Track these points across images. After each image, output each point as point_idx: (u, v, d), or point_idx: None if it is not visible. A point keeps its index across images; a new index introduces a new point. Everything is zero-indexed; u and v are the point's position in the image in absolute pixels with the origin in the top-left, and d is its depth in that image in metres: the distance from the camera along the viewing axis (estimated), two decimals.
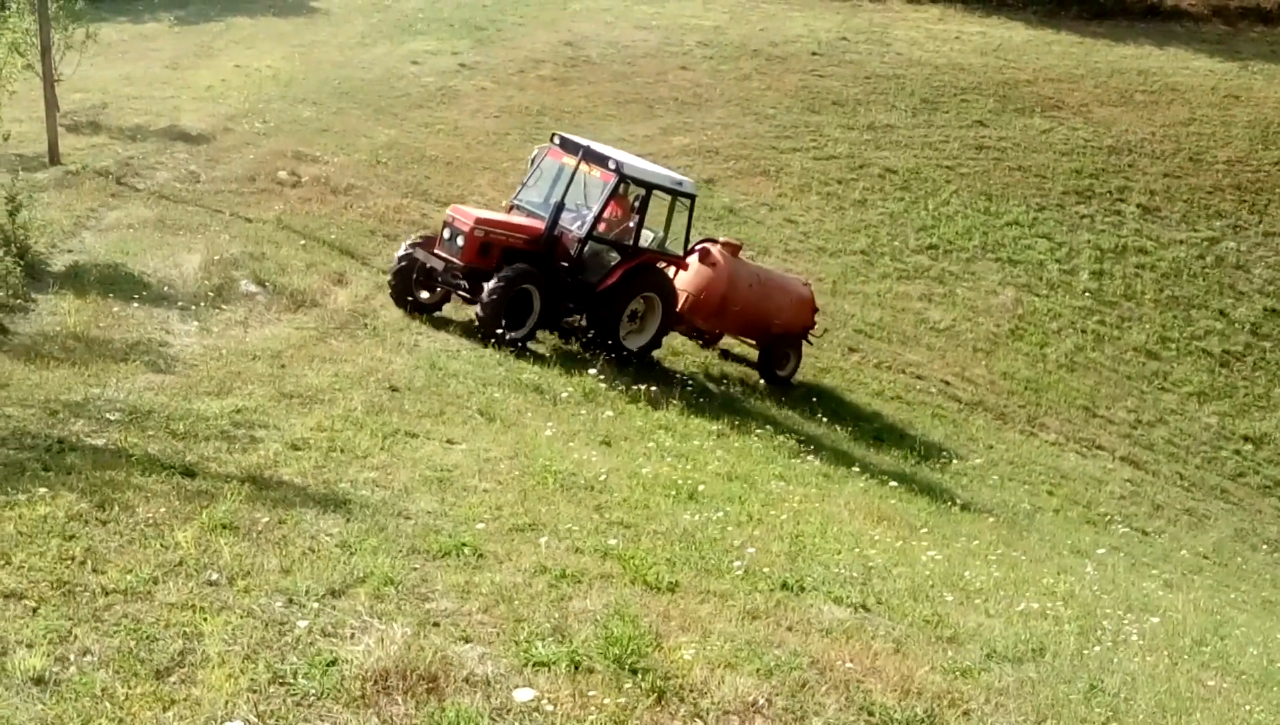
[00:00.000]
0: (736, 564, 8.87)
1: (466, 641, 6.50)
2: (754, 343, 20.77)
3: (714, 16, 39.33)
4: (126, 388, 11.45)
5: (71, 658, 5.75)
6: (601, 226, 17.94)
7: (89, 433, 9.76)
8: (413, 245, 17.71)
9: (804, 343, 20.71)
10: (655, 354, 18.72)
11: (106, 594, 6.54)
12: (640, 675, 6.20)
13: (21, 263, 15.69)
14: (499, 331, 16.50)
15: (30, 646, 5.77)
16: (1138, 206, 30.20)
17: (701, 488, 11.57)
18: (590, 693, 5.91)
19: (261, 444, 10.15)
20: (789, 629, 7.58)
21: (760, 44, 36.66)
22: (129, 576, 6.76)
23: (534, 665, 6.23)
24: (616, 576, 8.07)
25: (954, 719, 6.24)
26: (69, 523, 7.46)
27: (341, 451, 10.38)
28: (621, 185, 17.98)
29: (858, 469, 15.46)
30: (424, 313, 17.63)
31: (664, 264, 18.61)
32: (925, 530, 12.53)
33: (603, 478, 10.97)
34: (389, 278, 17.82)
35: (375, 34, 36.95)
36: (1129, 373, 24.86)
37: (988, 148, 31.61)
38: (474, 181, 26.07)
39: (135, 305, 15.21)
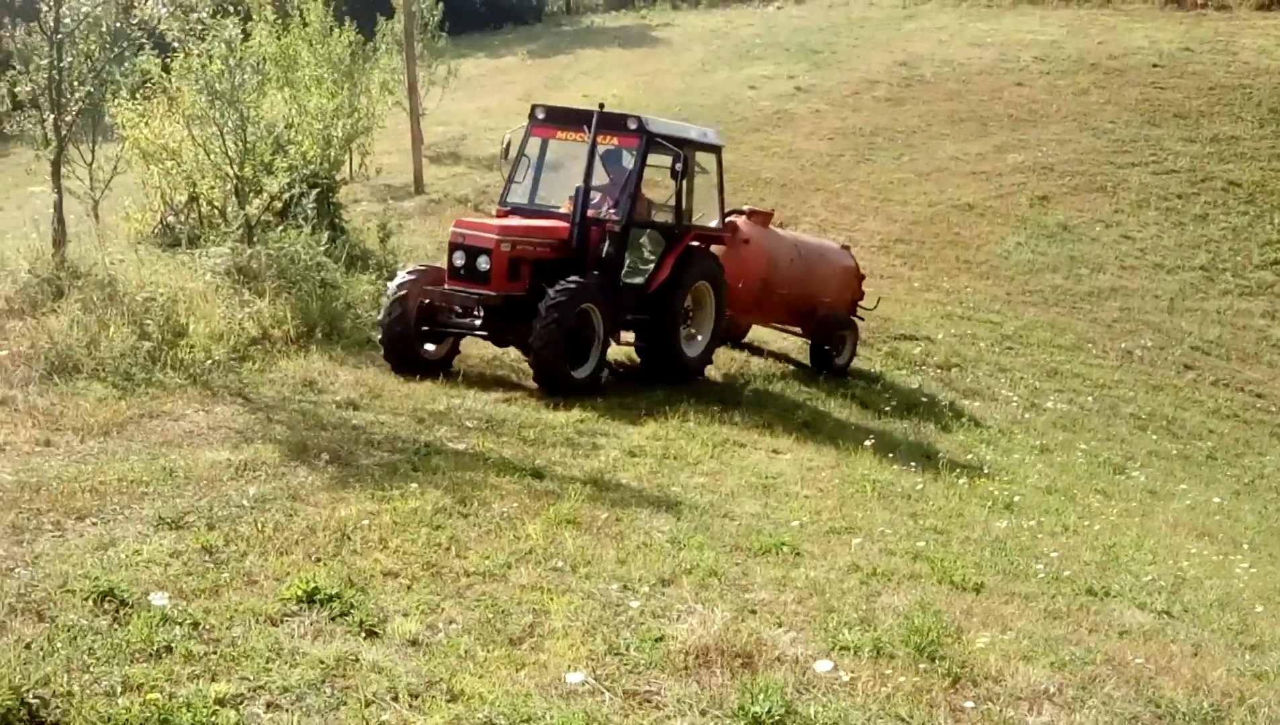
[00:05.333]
0: (1039, 568, 9.22)
1: (779, 626, 7.11)
2: (799, 331, 17.47)
3: (1051, 31, 38.82)
4: (483, 399, 12.59)
5: (440, 625, 6.66)
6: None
7: (451, 438, 10.89)
8: (409, 279, 13.56)
9: (855, 319, 17.50)
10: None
11: (468, 575, 7.43)
12: (938, 661, 6.68)
13: None
14: (569, 374, 12.99)
15: (406, 615, 6.71)
16: None
17: (1018, 499, 11.85)
18: (888, 672, 6.47)
19: (602, 450, 11.04)
20: (1089, 630, 7.88)
21: (1098, 57, 35.98)
22: (487, 561, 7.64)
23: (839, 649, 6.78)
24: (924, 576, 8.52)
25: (1241, 715, 6.46)
26: (435, 515, 8.41)
27: (674, 458, 11.12)
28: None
29: (1185, 487, 15.30)
30: (431, 374, 13.28)
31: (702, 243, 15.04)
32: (1249, 547, 12.41)
33: (920, 487, 11.40)
34: (381, 327, 13.48)
35: (715, 60, 38.14)
36: None
37: None
38: (807, 203, 26.70)
39: None
